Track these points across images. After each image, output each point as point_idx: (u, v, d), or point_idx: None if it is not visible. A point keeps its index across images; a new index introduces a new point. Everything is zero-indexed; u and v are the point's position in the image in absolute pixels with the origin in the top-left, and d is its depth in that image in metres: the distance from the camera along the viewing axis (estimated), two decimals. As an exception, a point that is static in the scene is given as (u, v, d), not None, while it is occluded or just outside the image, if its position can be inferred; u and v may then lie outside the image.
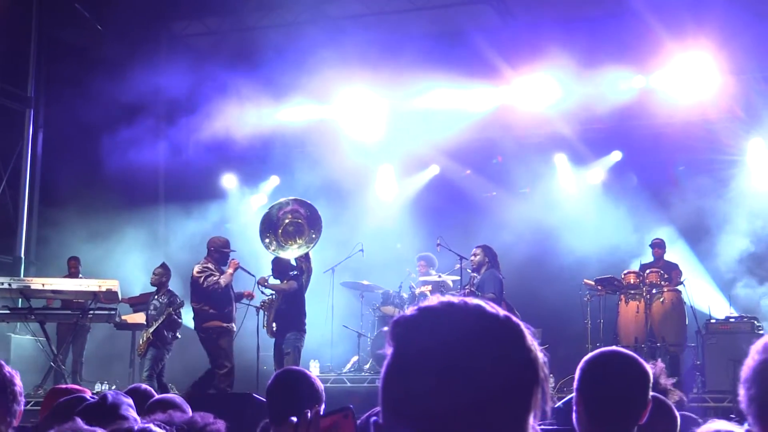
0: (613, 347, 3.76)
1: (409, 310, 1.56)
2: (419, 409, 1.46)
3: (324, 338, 14.68)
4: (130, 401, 3.62)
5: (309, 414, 2.68)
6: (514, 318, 1.54)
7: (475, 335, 1.49)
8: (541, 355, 1.53)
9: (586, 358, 3.40)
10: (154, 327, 12.68)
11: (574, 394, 3.38)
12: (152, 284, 13.15)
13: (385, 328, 13.63)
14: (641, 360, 3.39)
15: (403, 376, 1.49)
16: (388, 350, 1.54)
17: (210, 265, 12.19)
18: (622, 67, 15.47)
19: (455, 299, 1.55)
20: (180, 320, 12.98)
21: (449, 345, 1.47)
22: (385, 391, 1.52)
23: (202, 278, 12.03)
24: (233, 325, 12.33)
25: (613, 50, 15.17)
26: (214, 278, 12.03)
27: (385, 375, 1.53)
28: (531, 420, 1.49)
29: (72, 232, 16.31)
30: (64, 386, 5.03)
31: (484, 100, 16.73)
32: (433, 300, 1.56)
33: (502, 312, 1.53)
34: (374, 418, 1.56)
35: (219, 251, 12.38)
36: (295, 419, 2.72)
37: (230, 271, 12.21)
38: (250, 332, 12.94)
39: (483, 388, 1.45)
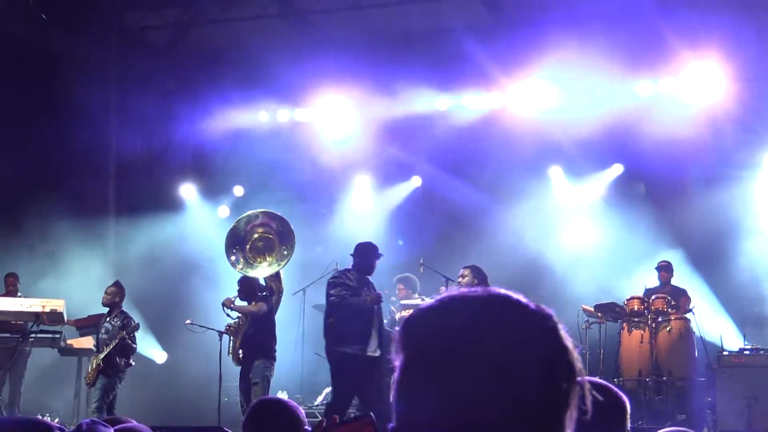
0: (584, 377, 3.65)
1: (424, 304, 1.55)
2: (446, 412, 1.44)
3: (294, 367, 14.55)
4: (110, 430, 3.52)
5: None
6: (545, 308, 1.54)
7: (506, 325, 1.48)
8: (576, 353, 1.53)
9: None
10: (105, 352, 12.45)
11: None
12: (104, 305, 12.90)
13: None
14: (615, 389, 3.33)
15: (426, 376, 1.47)
16: (398, 356, 1.53)
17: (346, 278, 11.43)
18: (626, 72, 15.48)
19: (478, 289, 1.55)
20: (134, 345, 12.76)
21: (478, 336, 1.46)
22: (403, 397, 1.51)
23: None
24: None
25: (615, 54, 15.15)
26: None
27: (403, 379, 1.51)
28: (567, 421, 1.49)
29: (9, 245, 16.06)
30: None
31: (472, 107, 16.71)
32: (452, 291, 1.56)
33: (532, 303, 1.53)
34: (391, 424, 1.54)
35: (360, 257, 11.63)
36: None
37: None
38: (213, 360, 12.78)
39: (517, 384, 1.44)
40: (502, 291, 1.54)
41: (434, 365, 1.46)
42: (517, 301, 1.52)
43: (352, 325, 11.22)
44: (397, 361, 1.54)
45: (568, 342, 1.52)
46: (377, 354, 11.37)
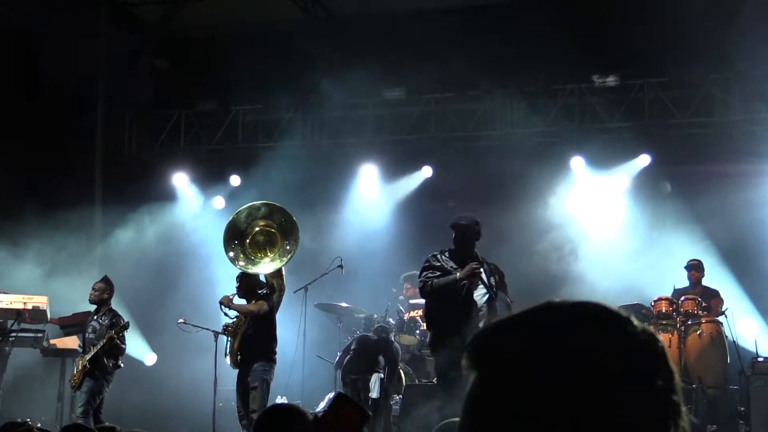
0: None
1: (499, 319, 1.47)
2: None
3: (294, 370, 14.42)
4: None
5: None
6: (647, 326, 1.48)
7: (615, 342, 1.40)
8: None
9: None
10: (92, 353, 12.36)
11: None
12: (92, 302, 12.82)
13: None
14: None
15: (518, 398, 1.37)
16: (471, 375, 1.44)
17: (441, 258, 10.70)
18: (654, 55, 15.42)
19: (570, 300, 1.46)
20: (123, 345, 12.68)
21: (580, 353, 1.38)
22: (487, 423, 1.40)
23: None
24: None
25: (641, 36, 15.07)
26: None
27: (486, 401, 1.41)
28: None
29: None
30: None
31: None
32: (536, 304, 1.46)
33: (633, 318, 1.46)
34: None
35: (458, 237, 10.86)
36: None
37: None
38: (207, 362, 12.71)
39: (627, 408, 1.36)
40: (598, 302, 1.45)
41: (526, 385, 1.37)
42: (618, 315, 1.44)
43: (444, 312, 10.41)
44: (471, 382, 1.44)
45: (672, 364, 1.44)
46: None
